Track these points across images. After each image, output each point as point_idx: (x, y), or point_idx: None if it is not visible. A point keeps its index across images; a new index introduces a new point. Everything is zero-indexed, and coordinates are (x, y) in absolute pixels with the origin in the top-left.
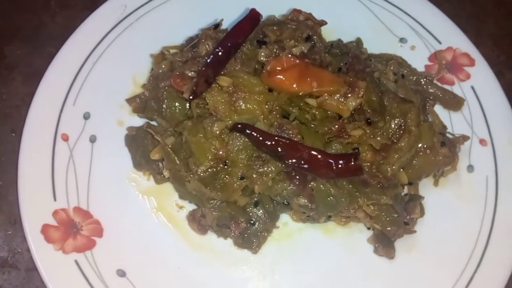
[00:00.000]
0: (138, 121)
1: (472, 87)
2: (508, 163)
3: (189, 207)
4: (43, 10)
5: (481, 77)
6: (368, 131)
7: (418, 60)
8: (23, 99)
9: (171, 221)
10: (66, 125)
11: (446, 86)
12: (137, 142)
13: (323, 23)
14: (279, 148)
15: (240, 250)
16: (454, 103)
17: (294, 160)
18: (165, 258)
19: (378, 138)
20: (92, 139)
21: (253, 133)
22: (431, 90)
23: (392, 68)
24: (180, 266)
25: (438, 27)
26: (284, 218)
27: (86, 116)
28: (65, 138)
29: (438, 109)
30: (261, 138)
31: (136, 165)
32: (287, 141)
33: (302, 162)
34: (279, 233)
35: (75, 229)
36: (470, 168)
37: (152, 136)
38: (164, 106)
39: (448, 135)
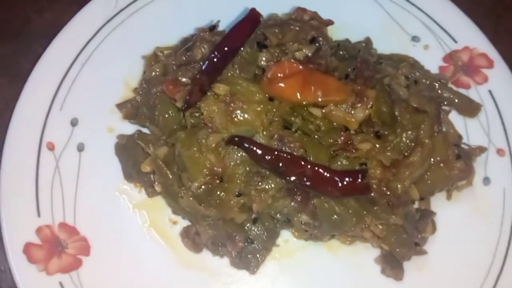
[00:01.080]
0: (129, 128)
1: (490, 91)
2: None
3: (183, 222)
4: (31, 4)
5: (499, 81)
6: (377, 145)
7: (432, 61)
8: (7, 103)
9: (163, 237)
10: (52, 132)
11: (461, 90)
12: (127, 151)
13: (329, 22)
14: (279, 164)
15: (237, 270)
16: (470, 109)
17: (296, 177)
18: (157, 278)
19: (388, 153)
20: (80, 148)
21: (251, 147)
22: (445, 95)
23: (404, 71)
24: (173, 286)
25: (454, 25)
26: (285, 235)
27: (74, 123)
28: (51, 147)
29: (453, 114)
30: (260, 153)
31: (127, 176)
32: (289, 156)
33: (305, 179)
34: (280, 252)
35: (60, 248)
36: (486, 180)
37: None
38: (156, 113)
39: (463, 145)
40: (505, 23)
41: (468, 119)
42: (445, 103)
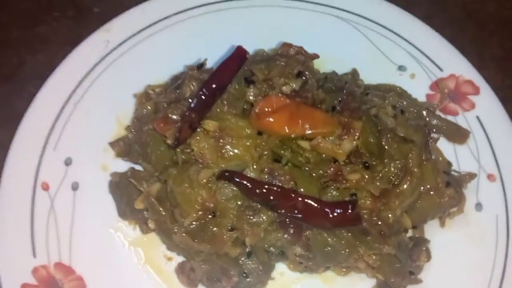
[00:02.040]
0: (123, 165)
1: (478, 117)
2: None
3: (178, 258)
4: (24, 46)
5: (486, 106)
6: (366, 176)
7: (419, 89)
8: (2, 144)
9: (159, 274)
10: (46, 172)
11: (449, 117)
12: (121, 189)
13: (315, 56)
14: (270, 197)
15: None
16: (459, 135)
17: (287, 210)
18: None
19: (377, 183)
20: (74, 187)
21: (242, 181)
22: (433, 122)
23: (390, 101)
24: None
25: (439, 53)
26: (280, 268)
27: (68, 162)
28: (45, 187)
29: (442, 141)
30: (250, 187)
31: (121, 214)
32: (279, 189)
33: (296, 211)
34: (275, 285)
35: (56, 287)
36: (479, 206)
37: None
38: (148, 150)
39: (453, 172)
40: (490, 49)
41: (457, 146)
42: (434, 130)
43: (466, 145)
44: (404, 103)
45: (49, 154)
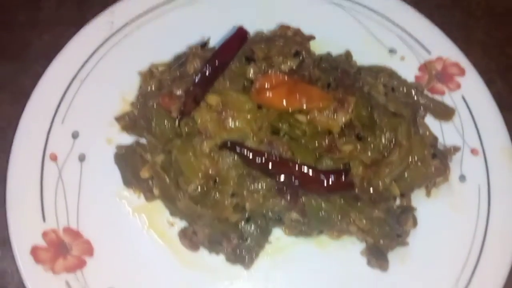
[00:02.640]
0: (127, 139)
1: (463, 97)
2: (500, 172)
3: (181, 223)
4: (30, 28)
5: (471, 87)
6: (358, 147)
7: (408, 71)
8: (10, 121)
9: (162, 238)
10: (54, 144)
11: (437, 96)
12: (126, 160)
13: (311, 38)
14: (269, 166)
15: (233, 266)
16: (445, 113)
17: (284, 177)
18: (157, 275)
19: (369, 153)
20: (81, 158)
21: (243, 151)
22: (421, 101)
23: (382, 80)
24: (173, 283)
25: (427, 37)
26: (277, 233)
27: (75, 135)
28: (54, 157)
29: (429, 119)
30: (251, 156)
31: (126, 183)
32: (277, 158)
33: (293, 178)
34: (272, 248)
35: (65, 250)
36: (462, 178)
37: (142, 156)
38: (153, 124)
39: (439, 146)
40: (476, 34)
41: (444, 123)
42: (422, 108)
43: (452, 122)
44: (395, 83)
45: (57, 128)
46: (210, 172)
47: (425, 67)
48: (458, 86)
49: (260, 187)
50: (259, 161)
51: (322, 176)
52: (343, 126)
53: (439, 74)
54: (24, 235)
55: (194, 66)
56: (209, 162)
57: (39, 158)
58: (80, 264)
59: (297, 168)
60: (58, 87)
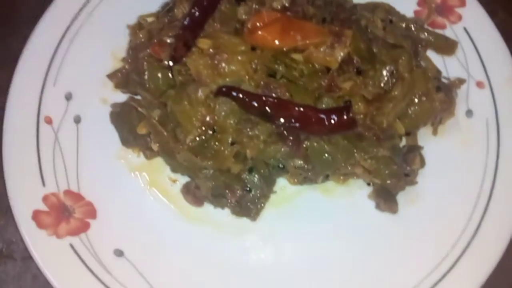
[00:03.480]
0: (122, 97)
1: (465, 29)
2: (508, 103)
3: (183, 180)
4: None
5: (473, 18)
6: (358, 82)
7: (407, 6)
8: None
9: (165, 196)
10: (48, 107)
11: (437, 31)
12: (122, 118)
13: None
14: (267, 108)
15: (239, 219)
16: (447, 47)
17: (284, 120)
18: (163, 233)
19: (370, 88)
20: (77, 120)
21: (239, 95)
22: (422, 36)
23: (379, 15)
24: (179, 240)
25: None
26: (281, 183)
27: (68, 97)
28: (48, 120)
29: (432, 55)
30: (248, 100)
31: (124, 142)
32: (275, 100)
33: (293, 120)
34: (277, 198)
35: (67, 213)
36: (469, 113)
37: (137, 110)
38: (146, 77)
39: (443, 79)
40: None
41: (447, 58)
42: (423, 43)
43: (455, 56)
44: (393, 18)
45: (49, 90)
46: (208, 120)
47: (424, 1)
48: (459, 18)
49: (260, 133)
50: (257, 104)
51: (323, 116)
52: (341, 61)
53: (439, 6)
54: (25, 201)
55: (182, 10)
56: (206, 110)
57: (33, 122)
58: (84, 227)
59: (296, 109)
60: (47, 47)
